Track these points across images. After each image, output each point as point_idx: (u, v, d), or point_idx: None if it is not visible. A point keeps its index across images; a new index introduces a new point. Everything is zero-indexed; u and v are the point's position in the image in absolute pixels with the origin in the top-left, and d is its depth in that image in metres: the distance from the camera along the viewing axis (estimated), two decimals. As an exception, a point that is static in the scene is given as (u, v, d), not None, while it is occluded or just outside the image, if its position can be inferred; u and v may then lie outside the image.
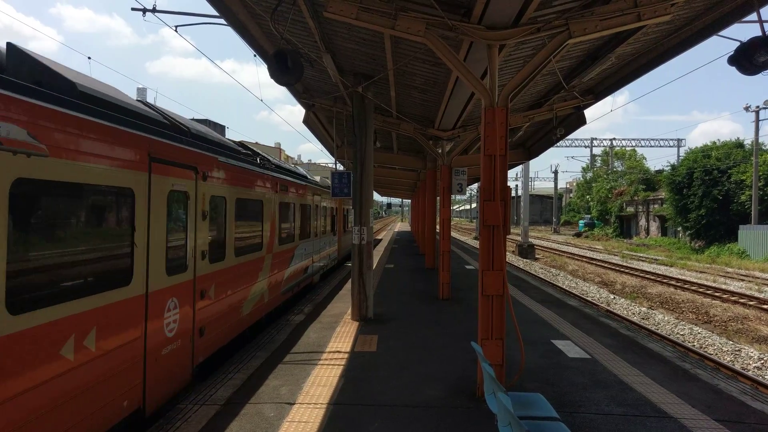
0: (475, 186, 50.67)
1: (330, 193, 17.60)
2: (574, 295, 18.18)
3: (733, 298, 17.25)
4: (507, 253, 6.19)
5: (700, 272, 24.93)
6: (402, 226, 77.75)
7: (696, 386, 6.37)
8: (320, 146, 22.19)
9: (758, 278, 22.24)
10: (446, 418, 5.31)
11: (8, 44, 4.64)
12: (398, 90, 10.42)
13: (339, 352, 7.76)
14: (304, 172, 16.49)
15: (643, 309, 16.51)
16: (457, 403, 5.72)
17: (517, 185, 60.07)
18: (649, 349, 8.08)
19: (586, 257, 32.36)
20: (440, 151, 13.13)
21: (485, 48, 6.05)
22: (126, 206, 5.07)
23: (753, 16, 6.32)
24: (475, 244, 40.96)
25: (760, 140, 33.62)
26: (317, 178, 19.74)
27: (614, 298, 18.73)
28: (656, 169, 56.05)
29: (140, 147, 5.27)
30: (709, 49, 76.77)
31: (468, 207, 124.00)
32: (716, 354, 11.53)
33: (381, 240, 39.56)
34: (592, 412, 5.50)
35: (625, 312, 16.06)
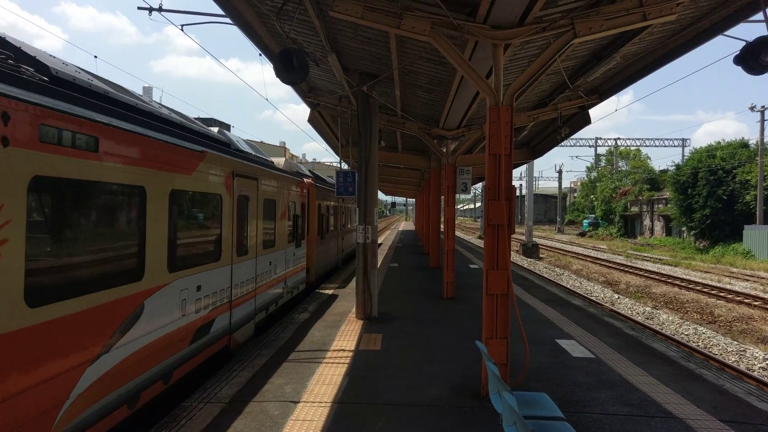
0: (479, 185, 50.62)
1: (294, 181, 11.59)
2: (579, 294, 18.15)
3: (737, 298, 17.19)
4: (511, 252, 6.19)
5: (705, 272, 24.84)
6: (406, 225, 77.76)
7: (701, 386, 6.36)
8: (325, 145, 20.85)
9: (763, 278, 22.15)
10: (450, 418, 5.32)
11: None
12: (403, 89, 10.43)
13: (343, 350, 7.77)
14: (243, 145, 9.59)
15: (648, 309, 16.47)
16: (462, 403, 5.73)
17: (521, 184, 60.04)
18: (654, 349, 8.06)
19: (590, 257, 32.29)
20: (445, 150, 13.14)
21: (490, 47, 6.05)
22: None
23: (759, 16, 6.30)
24: (480, 243, 40.93)
25: (766, 140, 33.42)
26: (279, 162, 12.67)
27: (618, 297, 18.69)
28: (661, 168, 55.87)
29: None
30: (714, 48, 76.37)
31: (472, 206, 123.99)
32: (721, 354, 11.49)
33: (385, 239, 39.56)
34: (598, 412, 5.50)
35: (629, 312, 16.02)
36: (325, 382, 6.35)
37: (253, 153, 9.86)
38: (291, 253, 11.53)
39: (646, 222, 50.80)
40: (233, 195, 7.71)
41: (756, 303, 16.31)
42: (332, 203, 17.98)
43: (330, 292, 13.56)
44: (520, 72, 8.74)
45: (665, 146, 57.10)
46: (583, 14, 5.66)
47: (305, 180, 13.70)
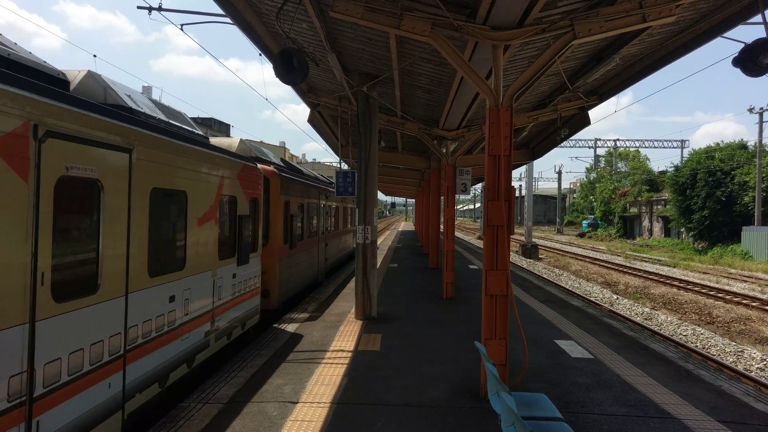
0: (479, 186, 50.66)
1: (237, 164, 8.12)
2: (578, 295, 18.16)
3: (736, 299, 17.20)
4: (510, 252, 6.20)
5: (703, 273, 24.87)
6: (406, 225, 77.77)
7: (699, 387, 6.37)
8: (325, 145, 20.64)
9: (761, 279, 22.18)
10: (449, 418, 5.33)
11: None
12: (403, 90, 10.44)
13: (342, 351, 7.78)
14: (141, 105, 5.82)
15: (646, 309, 16.48)
16: (461, 403, 5.73)
17: (520, 185, 60.03)
18: (652, 350, 8.08)
19: (589, 257, 32.31)
20: (444, 150, 13.15)
21: (490, 48, 6.06)
22: None
23: (758, 18, 6.32)
24: (479, 243, 40.94)
25: (764, 141, 33.48)
26: (232, 144, 10.03)
27: (617, 298, 18.70)
28: (660, 170, 55.92)
29: None
30: (713, 50, 76.53)
31: (472, 207, 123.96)
32: (719, 355, 11.50)
33: (385, 239, 39.56)
34: (596, 413, 5.50)
35: (628, 312, 16.04)
36: (324, 382, 6.35)
37: (164, 117, 6.24)
38: (228, 274, 7.58)
39: (645, 223, 50.84)
40: (39, 176, 3.71)
41: (754, 304, 16.33)
42: (310, 200, 13.94)
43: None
44: (519, 73, 8.75)
45: (664, 147, 57.15)
46: (583, 16, 5.68)
47: (261, 167, 9.60)
